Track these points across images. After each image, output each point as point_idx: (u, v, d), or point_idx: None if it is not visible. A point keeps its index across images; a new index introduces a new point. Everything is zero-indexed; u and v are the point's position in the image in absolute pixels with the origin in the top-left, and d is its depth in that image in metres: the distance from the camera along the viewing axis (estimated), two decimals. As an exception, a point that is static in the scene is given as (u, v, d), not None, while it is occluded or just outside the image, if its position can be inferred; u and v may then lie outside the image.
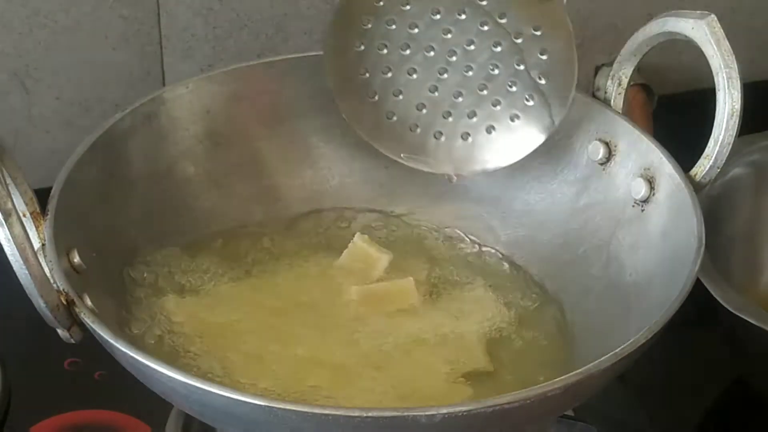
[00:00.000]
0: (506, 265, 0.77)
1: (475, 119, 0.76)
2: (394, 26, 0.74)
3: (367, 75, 0.75)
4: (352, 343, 0.69)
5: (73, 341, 0.60)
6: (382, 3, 0.73)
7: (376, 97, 0.76)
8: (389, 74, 0.75)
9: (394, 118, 0.76)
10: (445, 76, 0.75)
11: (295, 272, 0.75)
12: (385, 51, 0.75)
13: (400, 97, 0.76)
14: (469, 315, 0.72)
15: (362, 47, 0.74)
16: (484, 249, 0.78)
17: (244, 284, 0.74)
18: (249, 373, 0.66)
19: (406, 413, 0.52)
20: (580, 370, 0.55)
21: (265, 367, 0.66)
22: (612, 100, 0.75)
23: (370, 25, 0.74)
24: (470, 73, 0.75)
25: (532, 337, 0.71)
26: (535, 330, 0.72)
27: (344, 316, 0.71)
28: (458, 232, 0.79)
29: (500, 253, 0.78)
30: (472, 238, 0.79)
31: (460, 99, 0.75)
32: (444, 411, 0.52)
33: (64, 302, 0.59)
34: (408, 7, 0.73)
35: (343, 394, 0.65)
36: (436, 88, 0.75)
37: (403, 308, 0.72)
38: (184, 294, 0.72)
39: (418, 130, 0.76)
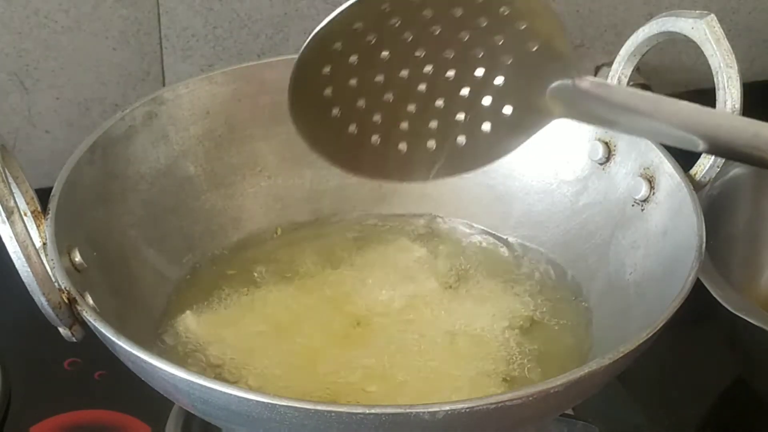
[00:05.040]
0: (512, 263, 0.77)
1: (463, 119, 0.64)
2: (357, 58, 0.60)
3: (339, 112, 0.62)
4: (376, 343, 0.70)
5: (74, 340, 0.60)
6: (339, 46, 0.59)
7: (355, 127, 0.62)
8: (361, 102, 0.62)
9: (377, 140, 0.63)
10: (422, 87, 0.62)
11: (307, 277, 0.75)
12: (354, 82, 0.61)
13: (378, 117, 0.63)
14: (487, 310, 0.72)
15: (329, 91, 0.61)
16: (488, 246, 0.78)
17: (260, 294, 0.74)
18: (281, 382, 0.67)
19: (408, 410, 0.52)
20: (580, 368, 0.55)
21: (295, 379, 0.67)
22: (612, 100, 0.75)
23: (329, 70, 0.60)
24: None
25: (550, 329, 0.72)
26: (553, 323, 0.72)
27: (367, 318, 0.72)
28: (460, 230, 0.79)
29: (504, 251, 0.78)
30: (475, 236, 0.79)
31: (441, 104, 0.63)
32: (446, 408, 0.52)
33: (66, 300, 0.59)
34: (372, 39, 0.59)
35: (371, 394, 0.66)
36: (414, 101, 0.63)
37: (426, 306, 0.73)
38: (201, 309, 0.72)
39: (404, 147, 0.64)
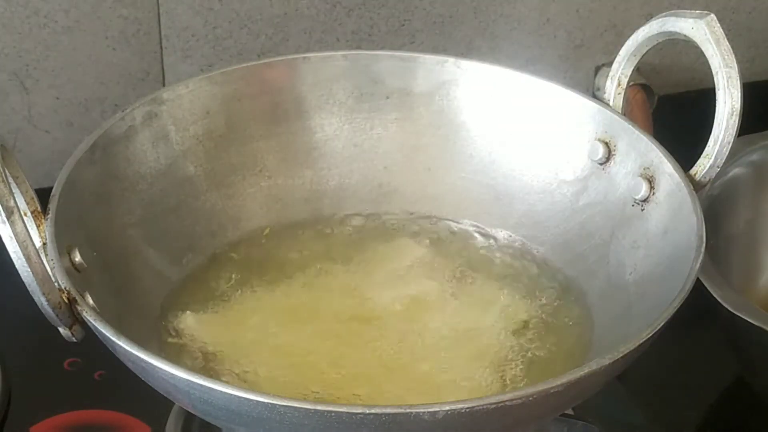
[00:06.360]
0: (512, 262, 0.77)
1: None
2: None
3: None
4: (376, 343, 0.70)
5: (74, 340, 0.60)
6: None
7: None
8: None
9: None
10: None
11: (307, 277, 0.75)
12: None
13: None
14: (487, 309, 0.72)
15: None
16: (488, 246, 0.78)
17: (260, 294, 0.74)
18: (281, 382, 0.67)
19: (408, 410, 0.52)
20: (580, 368, 0.55)
21: (296, 378, 0.67)
22: (611, 100, 0.75)
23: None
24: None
25: (550, 329, 0.72)
26: (553, 322, 0.72)
27: (367, 318, 0.72)
28: (460, 230, 0.79)
29: (504, 251, 0.78)
30: (475, 235, 0.79)
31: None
32: (447, 408, 0.52)
33: (66, 300, 0.59)
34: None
35: (369, 393, 0.66)
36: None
37: (427, 305, 0.73)
38: (201, 309, 0.72)
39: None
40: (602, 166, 0.75)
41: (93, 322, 0.58)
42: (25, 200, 0.63)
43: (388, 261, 0.76)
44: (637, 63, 0.75)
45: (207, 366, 0.68)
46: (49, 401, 0.77)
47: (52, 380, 0.79)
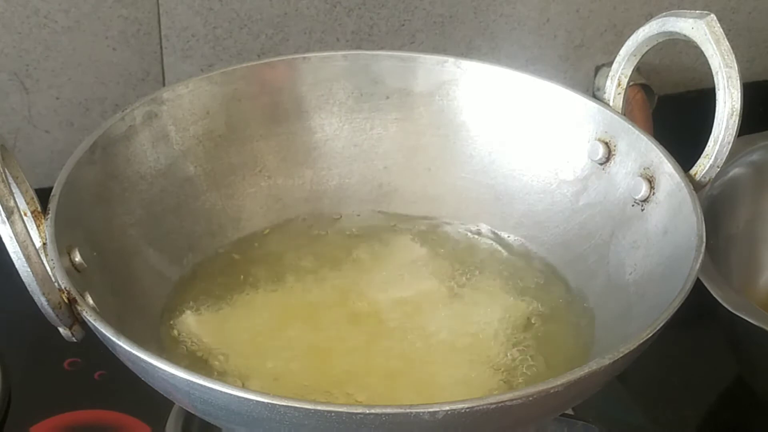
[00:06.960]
0: (512, 263, 0.77)
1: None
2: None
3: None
4: (376, 343, 0.70)
5: (74, 340, 0.60)
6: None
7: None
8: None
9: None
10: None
11: (307, 277, 0.75)
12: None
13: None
14: (487, 309, 0.72)
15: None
16: (488, 246, 0.78)
17: (260, 294, 0.74)
18: (281, 381, 0.67)
19: (408, 410, 0.52)
20: (580, 368, 0.55)
21: (296, 378, 0.67)
22: (611, 100, 0.75)
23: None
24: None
25: (550, 329, 0.72)
26: (553, 322, 0.72)
27: (364, 318, 0.72)
28: (460, 230, 0.79)
29: (504, 251, 0.78)
30: (475, 236, 0.79)
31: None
32: (447, 408, 0.52)
33: (66, 300, 0.58)
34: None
35: (369, 394, 0.66)
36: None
37: (427, 306, 0.73)
38: (201, 309, 0.72)
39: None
40: (602, 166, 0.75)
41: (93, 322, 0.58)
42: (25, 200, 0.63)
43: (388, 261, 0.76)
44: (637, 63, 0.75)
45: (207, 366, 0.68)
46: (49, 401, 0.77)
47: (52, 380, 0.79)
